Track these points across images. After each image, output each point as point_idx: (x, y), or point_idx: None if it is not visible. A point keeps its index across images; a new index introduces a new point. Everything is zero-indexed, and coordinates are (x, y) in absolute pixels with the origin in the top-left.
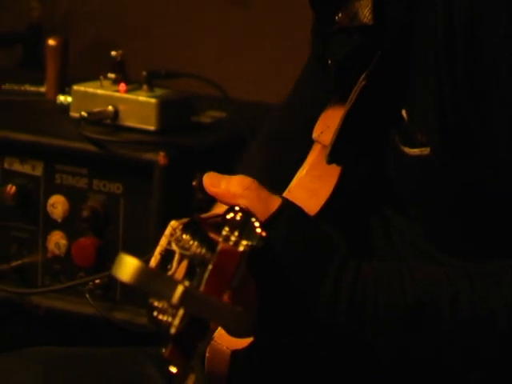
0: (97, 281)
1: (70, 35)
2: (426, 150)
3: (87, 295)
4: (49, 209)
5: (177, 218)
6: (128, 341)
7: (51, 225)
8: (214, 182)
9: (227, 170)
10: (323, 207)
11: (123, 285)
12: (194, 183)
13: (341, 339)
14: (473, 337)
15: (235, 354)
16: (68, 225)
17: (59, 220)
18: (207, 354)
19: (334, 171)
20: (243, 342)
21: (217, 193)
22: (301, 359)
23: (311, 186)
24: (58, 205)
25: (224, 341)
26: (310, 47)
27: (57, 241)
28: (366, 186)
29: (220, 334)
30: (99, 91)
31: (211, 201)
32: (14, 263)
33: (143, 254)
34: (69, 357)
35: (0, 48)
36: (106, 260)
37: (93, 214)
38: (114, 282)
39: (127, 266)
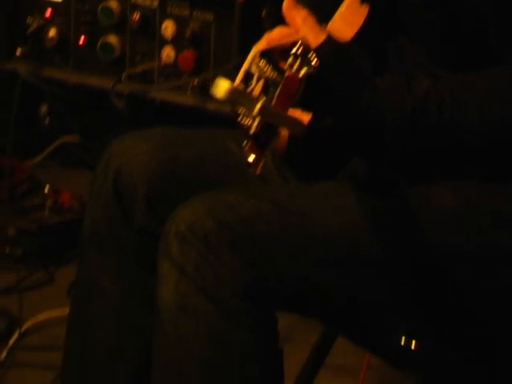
0: (195, 81)
1: None
2: None
3: (189, 91)
4: (162, 30)
5: (251, 40)
6: (216, 124)
7: (164, 42)
8: (294, 4)
9: None
10: (356, 34)
11: (214, 82)
12: (262, 15)
13: (362, 132)
14: (454, 134)
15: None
16: (176, 41)
17: (169, 38)
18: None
19: (364, 9)
20: None
21: (287, 15)
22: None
23: (349, 18)
24: (168, 28)
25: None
26: None
27: (168, 53)
28: (387, 20)
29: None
30: None
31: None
32: (139, 69)
33: (227, 61)
34: (176, 134)
35: None
36: (201, 67)
37: (193, 34)
38: (207, 81)
39: (221, 87)
